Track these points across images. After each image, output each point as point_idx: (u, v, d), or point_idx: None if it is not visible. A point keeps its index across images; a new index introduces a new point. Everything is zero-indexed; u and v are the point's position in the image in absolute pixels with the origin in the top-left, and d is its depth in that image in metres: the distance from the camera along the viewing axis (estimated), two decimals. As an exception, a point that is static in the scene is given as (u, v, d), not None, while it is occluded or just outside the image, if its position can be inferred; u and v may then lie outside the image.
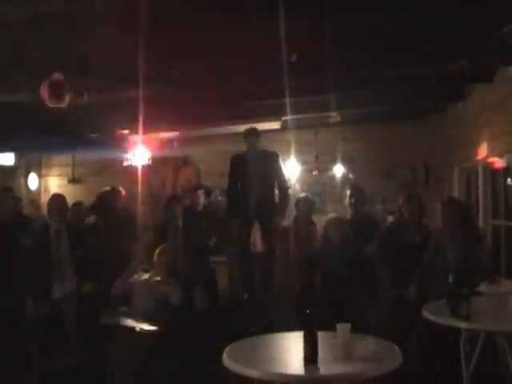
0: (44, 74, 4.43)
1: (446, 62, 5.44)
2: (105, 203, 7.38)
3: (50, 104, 4.34)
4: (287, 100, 5.94)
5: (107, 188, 7.80)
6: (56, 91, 4.26)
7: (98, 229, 6.88)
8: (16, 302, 6.04)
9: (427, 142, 8.76)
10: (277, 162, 6.95)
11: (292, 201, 6.96)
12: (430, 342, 4.61)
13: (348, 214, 6.37)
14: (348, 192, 6.54)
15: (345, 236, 5.53)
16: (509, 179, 6.25)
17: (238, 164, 6.93)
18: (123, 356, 5.33)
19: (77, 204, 7.67)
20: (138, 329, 5.43)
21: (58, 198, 6.58)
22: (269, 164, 6.86)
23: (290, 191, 7.21)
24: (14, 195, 7.03)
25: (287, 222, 6.69)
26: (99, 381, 5.40)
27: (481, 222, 6.67)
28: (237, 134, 7.61)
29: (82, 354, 5.81)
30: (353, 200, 6.43)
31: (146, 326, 5.44)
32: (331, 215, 5.84)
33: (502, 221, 6.33)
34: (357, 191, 6.53)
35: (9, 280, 6.00)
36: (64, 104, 4.40)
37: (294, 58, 4.60)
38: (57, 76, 4.29)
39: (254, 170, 6.75)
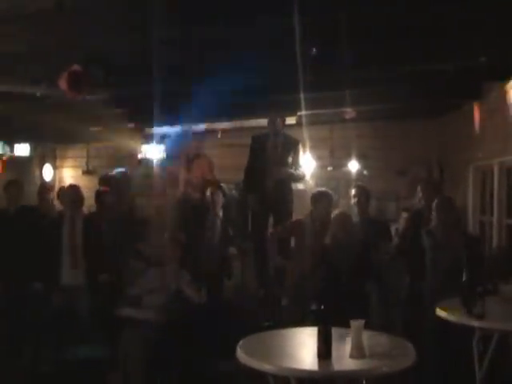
0: (62, 66, 4.46)
1: (463, 58, 5.40)
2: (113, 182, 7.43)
3: (69, 95, 4.36)
4: (302, 95, 5.93)
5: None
6: (75, 82, 4.29)
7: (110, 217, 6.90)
8: (29, 289, 6.14)
9: (442, 140, 8.72)
10: (296, 148, 7.01)
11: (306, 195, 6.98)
12: (443, 341, 4.61)
13: (355, 214, 6.38)
14: (353, 191, 6.59)
15: (349, 231, 5.53)
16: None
17: (258, 144, 6.99)
18: (135, 346, 5.36)
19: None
20: (150, 321, 5.47)
21: (73, 187, 6.74)
22: (288, 149, 6.92)
23: (304, 185, 7.26)
24: (20, 186, 7.11)
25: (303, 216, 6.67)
26: (111, 370, 5.45)
27: (495, 221, 6.65)
28: (251, 129, 7.63)
29: (95, 343, 5.87)
30: (357, 199, 6.48)
31: (159, 317, 5.47)
32: (336, 211, 5.83)
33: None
34: (361, 191, 6.56)
35: (24, 267, 6.10)
36: (83, 95, 4.43)
37: (313, 52, 4.59)
38: (75, 67, 4.31)
39: (273, 153, 6.83)
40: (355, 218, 6.28)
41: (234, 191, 8.30)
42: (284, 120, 6.96)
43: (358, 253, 5.42)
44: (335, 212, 5.77)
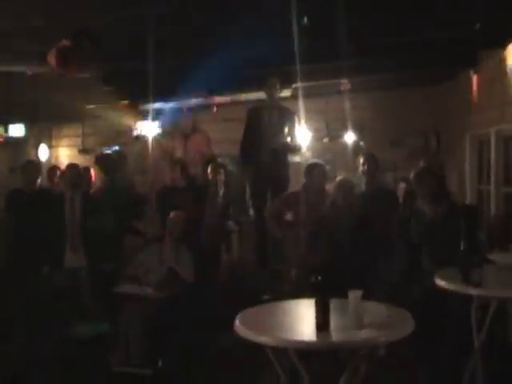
0: (52, 43, 4.41)
1: (459, 26, 5.35)
2: (107, 162, 7.39)
3: (58, 71, 4.32)
4: (298, 67, 5.89)
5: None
6: (63, 58, 4.24)
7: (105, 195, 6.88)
8: (34, 270, 6.16)
9: (439, 110, 8.67)
10: (292, 119, 7.01)
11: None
12: (441, 310, 4.62)
13: (362, 182, 6.32)
14: (361, 160, 6.45)
15: (350, 199, 5.50)
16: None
17: (253, 116, 6.99)
18: (134, 323, 5.39)
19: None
20: (149, 297, 5.49)
21: (73, 167, 6.68)
22: (284, 121, 6.91)
23: (300, 158, 7.26)
24: (37, 167, 7.05)
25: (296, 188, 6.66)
26: (112, 348, 5.48)
27: (492, 190, 6.64)
28: (247, 103, 7.60)
29: (97, 322, 5.91)
30: (366, 168, 6.34)
31: (158, 294, 5.49)
32: (339, 178, 5.80)
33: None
34: (370, 159, 6.43)
35: (29, 248, 6.11)
36: (72, 71, 4.38)
37: (305, 21, 4.55)
38: (64, 43, 4.26)
39: (268, 124, 6.84)
40: (363, 187, 6.25)
41: (230, 166, 8.29)
42: (280, 92, 6.94)
43: (362, 222, 5.40)
44: (336, 179, 5.75)
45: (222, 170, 7.08)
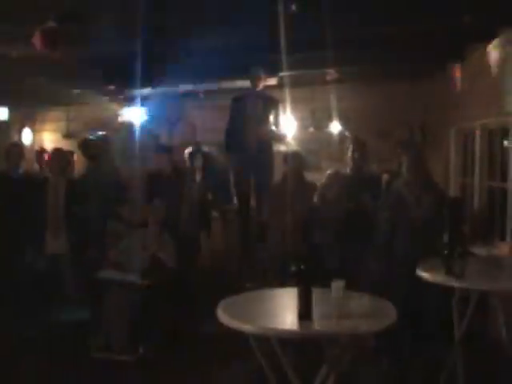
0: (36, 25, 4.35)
1: (446, 18, 5.33)
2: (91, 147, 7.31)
3: (43, 54, 4.27)
4: (284, 56, 5.87)
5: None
6: (49, 40, 4.19)
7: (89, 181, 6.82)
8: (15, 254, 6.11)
9: (425, 103, 8.67)
10: (277, 107, 7.02)
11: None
12: (423, 301, 4.64)
13: (348, 168, 6.25)
14: (350, 146, 6.33)
15: (343, 192, 5.52)
16: (505, 141, 6.21)
17: (238, 104, 7.00)
18: (117, 310, 5.38)
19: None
20: (131, 283, 5.47)
21: (58, 152, 6.63)
22: (269, 109, 6.92)
23: (285, 148, 7.25)
24: (21, 150, 6.95)
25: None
26: (92, 334, 5.47)
27: (476, 183, 6.68)
28: (235, 90, 7.57)
29: (79, 309, 5.89)
30: (356, 155, 6.20)
31: (140, 281, 5.48)
32: (329, 170, 5.80)
33: (498, 182, 6.31)
34: (360, 145, 6.31)
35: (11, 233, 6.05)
36: (58, 53, 4.34)
37: (293, 8, 4.52)
38: (50, 24, 4.20)
39: (253, 112, 6.83)
40: (349, 172, 6.21)
41: (215, 153, 8.26)
42: (265, 79, 6.92)
43: (350, 212, 5.42)
44: (327, 172, 5.74)
45: (199, 156, 7.06)
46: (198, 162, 7.00)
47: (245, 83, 7.33)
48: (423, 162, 5.46)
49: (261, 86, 6.92)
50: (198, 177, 6.97)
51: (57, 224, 6.21)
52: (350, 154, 6.27)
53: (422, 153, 6.23)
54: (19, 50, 5.13)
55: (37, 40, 4.24)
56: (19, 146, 7.37)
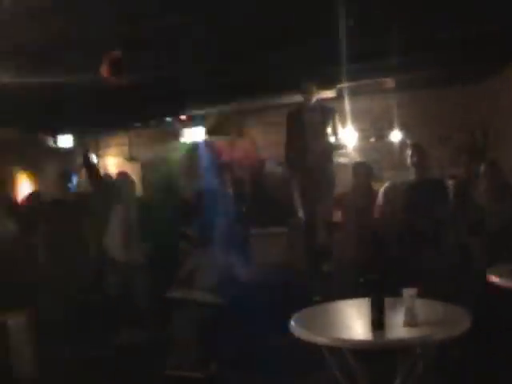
0: (100, 54, 4.50)
1: (502, 21, 5.27)
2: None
3: (110, 81, 4.41)
4: (343, 67, 5.88)
5: None
6: (116, 68, 4.32)
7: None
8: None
9: (485, 106, 8.54)
10: (333, 117, 6.94)
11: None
12: (496, 306, 4.55)
13: (411, 175, 6.20)
14: (409, 152, 6.27)
15: (397, 203, 5.51)
16: None
17: (294, 119, 6.94)
18: (188, 329, 5.43)
19: None
20: (202, 301, 5.53)
21: (124, 175, 6.90)
22: (325, 120, 6.86)
23: (347, 159, 7.24)
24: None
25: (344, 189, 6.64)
26: (165, 354, 5.54)
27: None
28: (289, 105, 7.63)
29: (150, 327, 5.98)
30: (415, 159, 6.13)
31: (211, 299, 5.53)
32: (385, 185, 5.78)
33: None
34: (419, 150, 6.25)
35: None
36: (123, 80, 4.47)
37: (351, 23, 4.55)
38: (116, 53, 4.34)
39: (310, 126, 6.77)
40: (412, 179, 6.15)
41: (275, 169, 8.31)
42: (317, 93, 6.87)
43: (410, 221, 5.40)
44: (383, 187, 5.74)
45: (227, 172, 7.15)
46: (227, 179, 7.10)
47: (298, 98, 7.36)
48: (500, 169, 5.45)
49: (313, 99, 6.87)
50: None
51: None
52: (409, 160, 6.24)
53: (495, 159, 6.17)
54: (88, 79, 5.28)
55: (104, 69, 4.38)
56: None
